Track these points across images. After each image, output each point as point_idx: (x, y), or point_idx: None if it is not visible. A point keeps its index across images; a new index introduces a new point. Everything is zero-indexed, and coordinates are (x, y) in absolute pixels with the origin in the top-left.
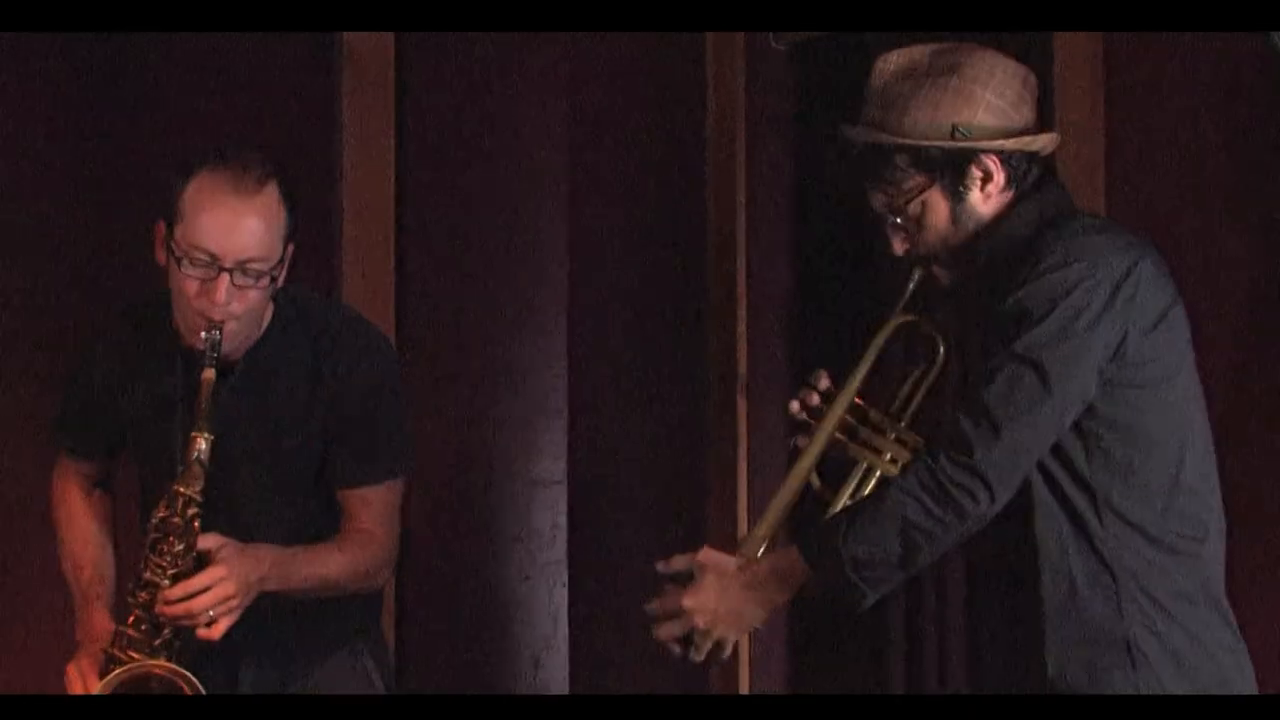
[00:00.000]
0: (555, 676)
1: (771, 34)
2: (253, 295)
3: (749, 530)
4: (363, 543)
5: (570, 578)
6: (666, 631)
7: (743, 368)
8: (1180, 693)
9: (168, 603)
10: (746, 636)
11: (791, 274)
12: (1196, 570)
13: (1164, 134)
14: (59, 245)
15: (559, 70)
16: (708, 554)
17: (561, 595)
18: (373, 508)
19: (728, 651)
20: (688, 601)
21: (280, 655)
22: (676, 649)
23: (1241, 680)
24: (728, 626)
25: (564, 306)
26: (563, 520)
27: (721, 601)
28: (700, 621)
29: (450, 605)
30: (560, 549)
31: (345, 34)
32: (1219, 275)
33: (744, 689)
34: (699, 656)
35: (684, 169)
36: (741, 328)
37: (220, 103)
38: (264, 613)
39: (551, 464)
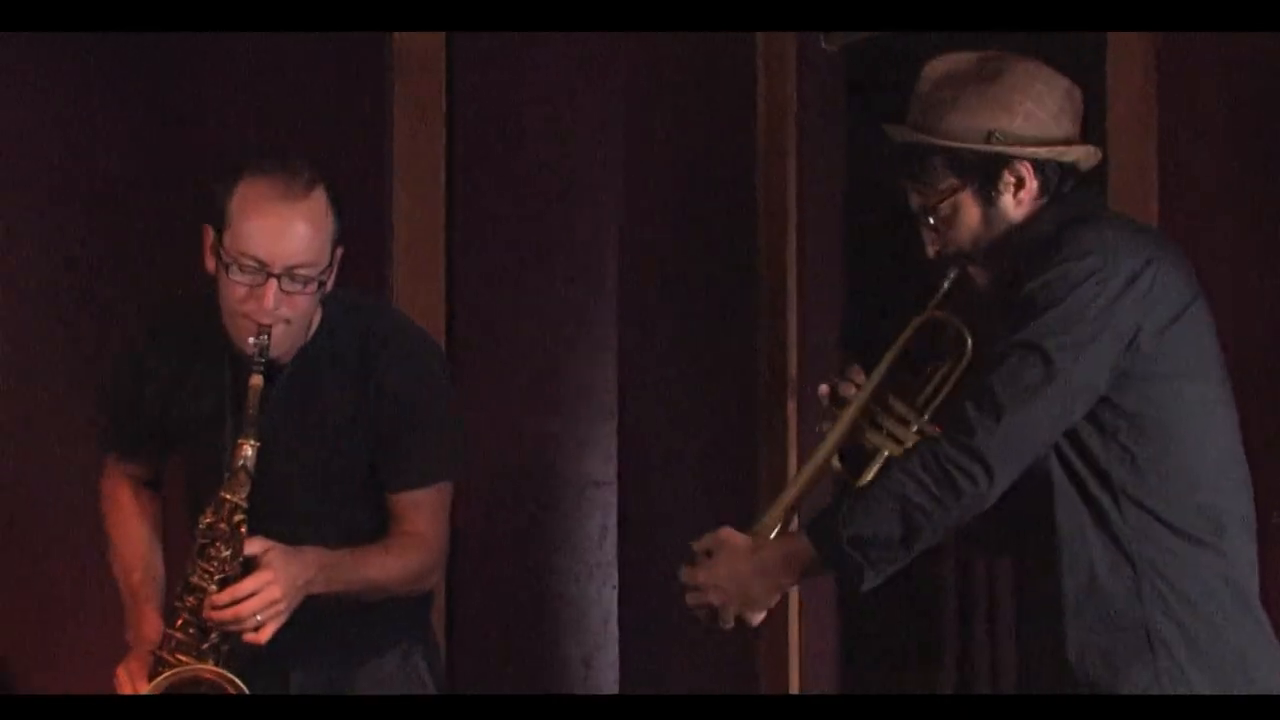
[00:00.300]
0: (605, 677)
1: (822, 35)
2: (301, 300)
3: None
4: (412, 545)
5: (620, 579)
6: (690, 600)
7: (793, 370)
8: (1200, 680)
9: (215, 608)
10: (798, 636)
11: (842, 275)
12: (1219, 563)
13: (1216, 134)
14: (106, 246)
15: (610, 71)
16: (726, 533)
17: (611, 596)
18: (422, 510)
19: (755, 621)
20: (702, 577)
21: (331, 657)
22: (702, 617)
23: (1270, 676)
24: (740, 604)
25: (615, 309)
26: (613, 521)
27: (731, 580)
28: (714, 598)
29: (501, 606)
30: (610, 550)
31: (395, 34)
32: (1272, 274)
33: (794, 689)
34: (726, 626)
35: (735, 170)
36: (792, 329)
37: (269, 104)
38: (315, 615)
39: (602, 465)
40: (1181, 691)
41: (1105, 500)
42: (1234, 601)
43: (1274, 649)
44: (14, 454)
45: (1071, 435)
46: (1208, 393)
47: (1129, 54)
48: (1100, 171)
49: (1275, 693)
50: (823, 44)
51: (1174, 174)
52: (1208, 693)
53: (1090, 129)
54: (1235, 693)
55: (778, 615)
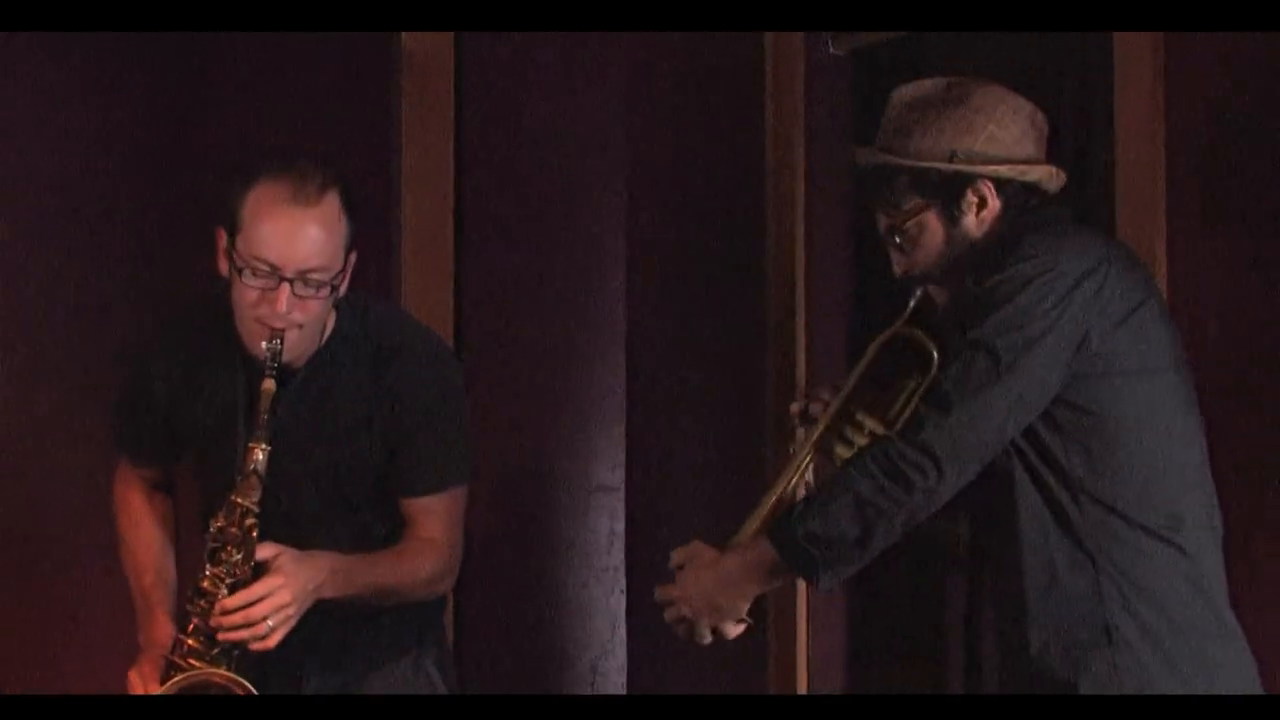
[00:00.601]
0: (613, 682)
1: (830, 39)
2: (314, 305)
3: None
4: (425, 550)
5: (628, 584)
6: (668, 617)
7: (801, 374)
8: (1160, 673)
9: (225, 612)
10: (805, 637)
11: (850, 279)
12: (1179, 560)
13: (1224, 135)
14: (114, 247)
15: (619, 72)
16: (695, 546)
17: (619, 601)
18: (435, 516)
19: (731, 635)
20: (673, 592)
21: (344, 662)
22: (681, 633)
23: (1233, 673)
24: (711, 615)
25: (622, 313)
26: (621, 527)
27: (698, 593)
28: (685, 611)
29: (509, 611)
30: (618, 555)
31: (403, 35)
32: None
33: (802, 689)
34: (703, 641)
35: (743, 175)
36: (800, 335)
37: (276, 104)
38: (328, 620)
39: (610, 470)
40: (1143, 684)
41: (1064, 498)
42: (1195, 599)
43: (1238, 648)
44: (16, 455)
45: (1031, 434)
46: (1163, 390)
47: (1136, 55)
48: (1107, 173)
49: (1236, 692)
50: (830, 48)
51: (1181, 175)
52: (1168, 687)
53: (1098, 131)
54: (1196, 689)
55: (785, 618)
